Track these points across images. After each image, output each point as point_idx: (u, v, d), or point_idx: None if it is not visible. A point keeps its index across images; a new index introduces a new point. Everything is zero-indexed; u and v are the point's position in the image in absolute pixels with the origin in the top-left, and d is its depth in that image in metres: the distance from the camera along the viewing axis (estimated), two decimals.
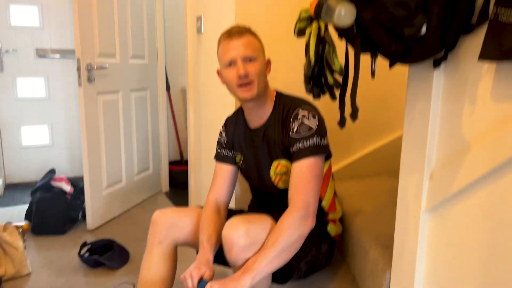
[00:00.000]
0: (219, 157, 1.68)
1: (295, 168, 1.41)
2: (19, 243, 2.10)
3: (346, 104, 1.14)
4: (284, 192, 1.46)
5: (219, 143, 1.70)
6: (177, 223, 1.58)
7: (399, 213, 1.16)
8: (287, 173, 1.52)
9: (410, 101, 1.08)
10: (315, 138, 1.41)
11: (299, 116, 1.44)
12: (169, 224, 1.56)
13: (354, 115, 1.05)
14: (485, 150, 0.89)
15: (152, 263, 1.56)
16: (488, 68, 0.88)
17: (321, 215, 1.57)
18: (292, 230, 1.31)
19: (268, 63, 1.55)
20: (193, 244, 1.61)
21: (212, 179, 1.67)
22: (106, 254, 2.21)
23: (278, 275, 1.44)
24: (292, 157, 1.44)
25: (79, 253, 2.24)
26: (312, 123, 1.43)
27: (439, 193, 1.02)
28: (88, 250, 2.29)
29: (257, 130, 1.57)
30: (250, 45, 1.44)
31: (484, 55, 0.84)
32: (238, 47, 1.43)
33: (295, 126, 1.44)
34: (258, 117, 1.56)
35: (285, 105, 1.52)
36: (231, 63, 1.44)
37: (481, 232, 0.92)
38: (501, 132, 0.85)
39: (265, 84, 1.51)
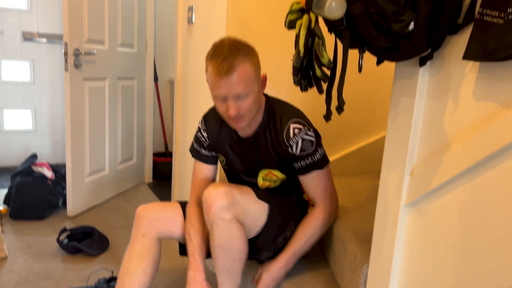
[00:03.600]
0: (198, 156, 1.64)
1: (308, 179, 1.50)
2: None
3: (333, 98, 1.15)
4: (270, 188, 1.57)
5: (198, 142, 1.63)
6: (161, 217, 1.61)
7: (379, 207, 1.18)
8: (276, 181, 1.56)
9: (395, 97, 1.10)
10: (319, 150, 1.47)
11: (296, 131, 1.43)
12: (153, 217, 1.59)
13: (340, 108, 1.07)
14: (464, 148, 0.91)
15: (134, 254, 1.56)
16: (471, 68, 0.90)
17: (303, 201, 1.66)
18: (323, 227, 1.54)
19: (263, 80, 1.45)
20: (176, 237, 1.64)
21: (192, 178, 1.66)
22: (85, 241, 2.20)
23: (253, 248, 1.50)
24: (299, 170, 1.50)
25: (57, 239, 2.22)
26: (311, 136, 1.45)
27: (419, 188, 1.04)
28: (67, 237, 2.27)
29: (247, 139, 1.53)
30: (242, 80, 1.31)
31: (469, 55, 0.86)
32: (229, 86, 1.31)
33: (294, 143, 1.44)
34: (248, 126, 1.49)
35: (276, 115, 1.48)
36: (222, 99, 1.36)
37: (457, 228, 0.94)
38: (480, 131, 0.87)
39: (259, 105, 1.45)
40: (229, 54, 1.30)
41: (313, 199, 1.55)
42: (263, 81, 1.44)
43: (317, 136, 1.49)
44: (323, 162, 1.49)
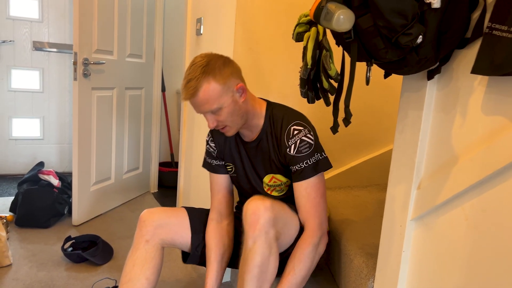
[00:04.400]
0: (211, 168, 1.66)
1: (300, 190, 1.43)
2: (2, 233, 2.08)
3: (340, 111, 1.15)
4: (277, 197, 1.51)
5: (208, 153, 1.66)
6: (165, 224, 1.57)
7: (386, 221, 1.17)
8: (280, 185, 1.54)
9: (402, 110, 1.10)
10: (316, 154, 1.42)
11: (295, 133, 1.43)
12: (157, 224, 1.56)
13: (347, 120, 1.07)
14: (472, 162, 0.90)
15: (137, 261, 1.54)
16: (480, 82, 0.90)
17: None
18: (313, 253, 1.39)
19: (242, 91, 1.41)
20: (180, 246, 1.61)
21: (211, 193, 1.67)
22: (89, 250, 2.19)
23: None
24: (293, 175, 1.45)
25: (62, 247, 2.22)
26: (311, 139, 1.42)
27: (426, 202, 1.03)
28: (71, 245, 2.27)
29: (250, 143, 1.54)
30: (207, 100, 1.35)
31: (477, 69, 0.86)
32: (197, 106, 1.38)
33: (293, 144, 1.42)
34: (250, 131, 1.53)
35: (277, 119, 1.49)
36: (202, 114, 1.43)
37: (464, 243, 0.93)
38: (489, 145, 0.86)
39: (243, 113, 1.44)
40: (193, 75, 1.34)
41: (301, 217, 1.45)
42: (242, 92, 1.41)
43: (317, 140, 1.45)
44: (319, 166, 1.42)
